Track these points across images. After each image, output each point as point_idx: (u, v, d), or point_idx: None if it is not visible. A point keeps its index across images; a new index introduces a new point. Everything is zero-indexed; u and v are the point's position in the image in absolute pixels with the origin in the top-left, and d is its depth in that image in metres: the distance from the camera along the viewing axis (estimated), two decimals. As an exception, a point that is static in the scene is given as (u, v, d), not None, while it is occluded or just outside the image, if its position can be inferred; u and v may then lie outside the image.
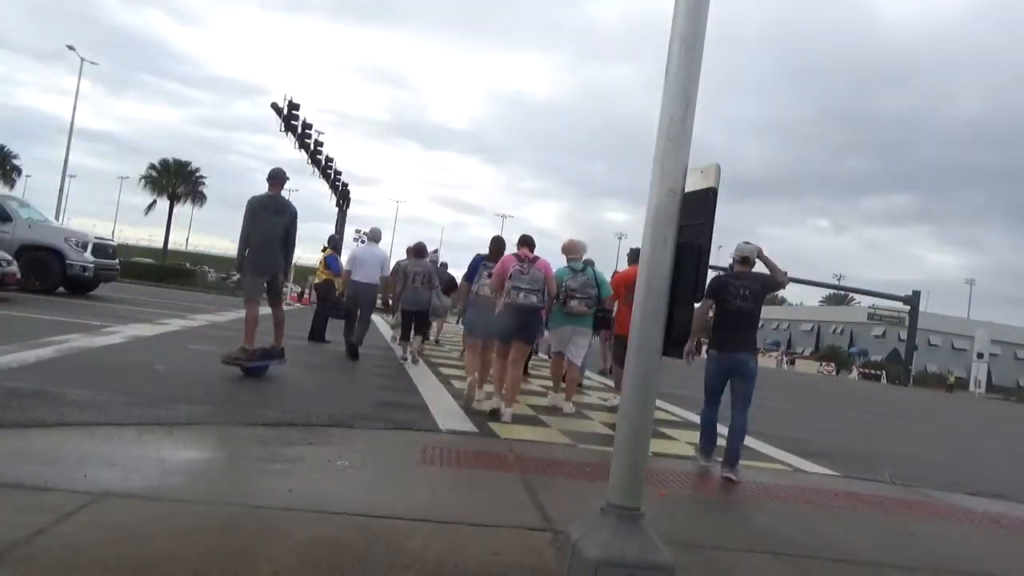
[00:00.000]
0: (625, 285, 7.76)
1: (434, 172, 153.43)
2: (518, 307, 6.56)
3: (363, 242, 12.73)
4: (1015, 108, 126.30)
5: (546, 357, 8.47)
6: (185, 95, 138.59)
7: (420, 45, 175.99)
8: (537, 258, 6.86)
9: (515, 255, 6.86)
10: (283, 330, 7.64)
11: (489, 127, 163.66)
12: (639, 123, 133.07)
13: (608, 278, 8.23)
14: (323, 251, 12.61)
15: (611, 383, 9.16)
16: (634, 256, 8.25)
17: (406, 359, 10.39)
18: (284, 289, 7.65)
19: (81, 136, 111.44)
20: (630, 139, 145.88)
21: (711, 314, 5.26)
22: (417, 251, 10.62)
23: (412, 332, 10.56)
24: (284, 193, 7.46)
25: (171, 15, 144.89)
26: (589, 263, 7.67)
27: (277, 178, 7.50)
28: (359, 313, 10.49)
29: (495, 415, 6.45)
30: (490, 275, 7.14)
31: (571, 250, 7.66)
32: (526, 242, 6.99)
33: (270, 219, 7.32)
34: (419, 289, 10.24)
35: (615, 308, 8.18)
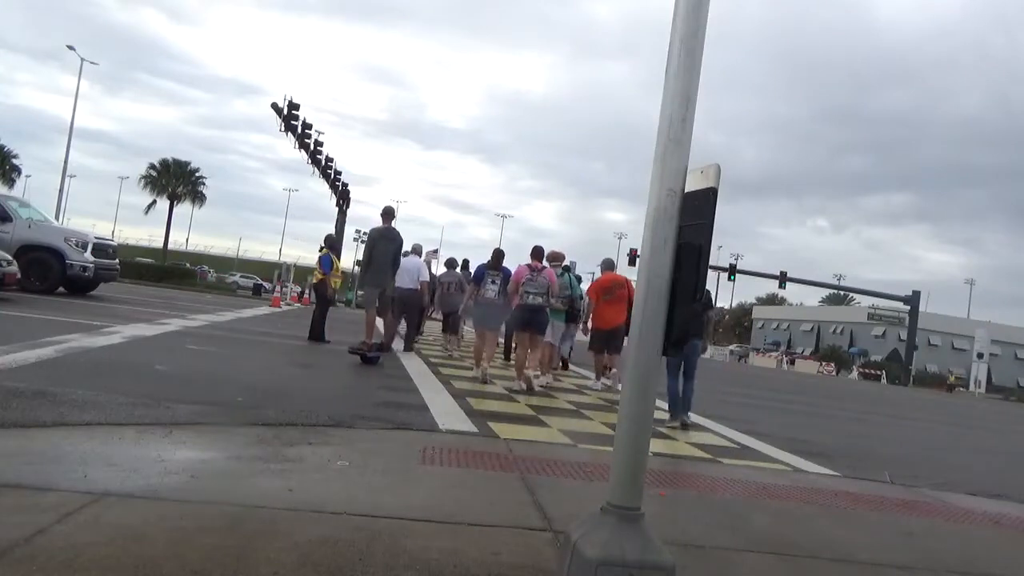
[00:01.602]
0: (604, 288, 9.89)
1: (433, 172, 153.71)
2: (527, 306, 8.67)
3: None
4: (1014, 105, 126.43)
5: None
6: (182, 94, 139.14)
7: (417, 44, 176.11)
8: (544, 267, 8.88)
9: (527, 265, 8.81)
10: (393, 330, 10.21)
11: (487, 126, 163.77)
12: (637, 122, 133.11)
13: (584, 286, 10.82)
14: (320, 251, 12.62)
15: (604, 380, 10.31)
16: (607, 265, 10.50)
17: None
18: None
19: (78, 135, 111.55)
20: (628, 138, 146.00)
21: None
22: (448, 263, 13.40)
23: (452, 327, 13.48)
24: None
25: (167, 14, 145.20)
26: (567, 269, 9.84)
27: (389, 214, 10.02)
28: (405, 317, 12.07)
29: (529, 384, 8.56)
30: (492, 281, 9.19)
31: (553, 259, 9.54)
32: (537, 254, 9.01)
33: (385, 246, 9.74)
34: (452, 295, 12.73)
35: (591, 307, 10.22)
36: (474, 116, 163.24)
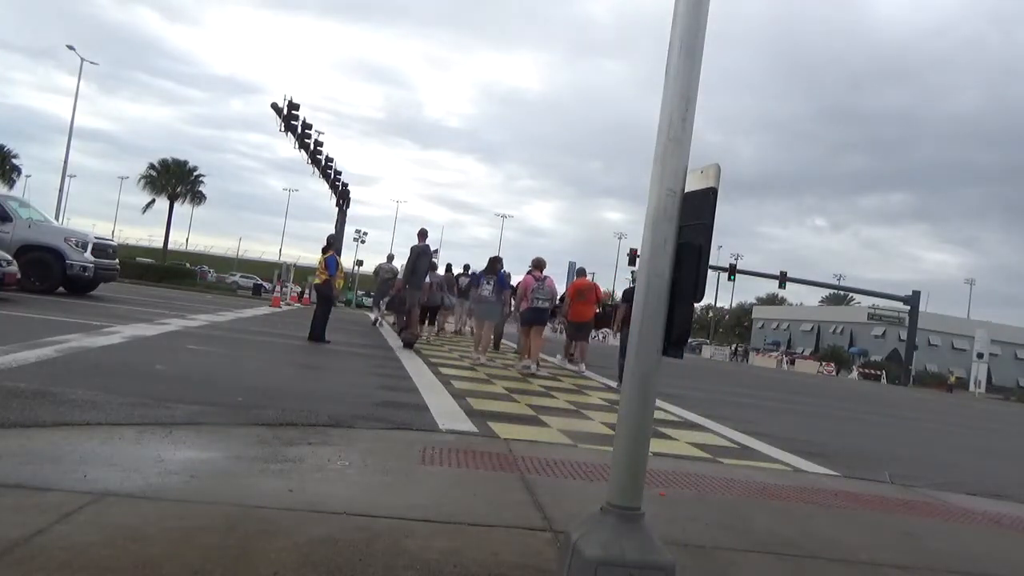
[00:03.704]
0: (578, 291, 12.86)
1: (431, 171, 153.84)
2: (536, 308, 11.35)
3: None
4: (1011, 103, 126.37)
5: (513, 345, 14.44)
6: (178, 93, 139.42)
7: (412, 42, 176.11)
8: (547, 277, 11.52)
9: (533, 275, 11.43)
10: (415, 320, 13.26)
11: (484, 125, 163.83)
12: (635, 121, 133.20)
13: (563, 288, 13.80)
14: (324, 252, 12.60)
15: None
16: (580, 272, 13.74)
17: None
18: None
19: (75, 134, 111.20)
20: (626, 137, 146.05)
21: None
22: (432, 266, 15.26)
23: (430, 319, 16.34)
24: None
25: (161, 13, 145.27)
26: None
27: (424, 234, 12.91)
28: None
29: (527, 369, 10.96)
30: (487, 282, 12.17)
31: (537, 265, 11.78)
32: (539, 265, 11.56)
33: (424, 260, 12.84)
34: (433, 292, 15.54)
35: (567, 305, 13.18)
36: (471, 115, 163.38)
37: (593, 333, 16.85)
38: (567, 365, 13.23)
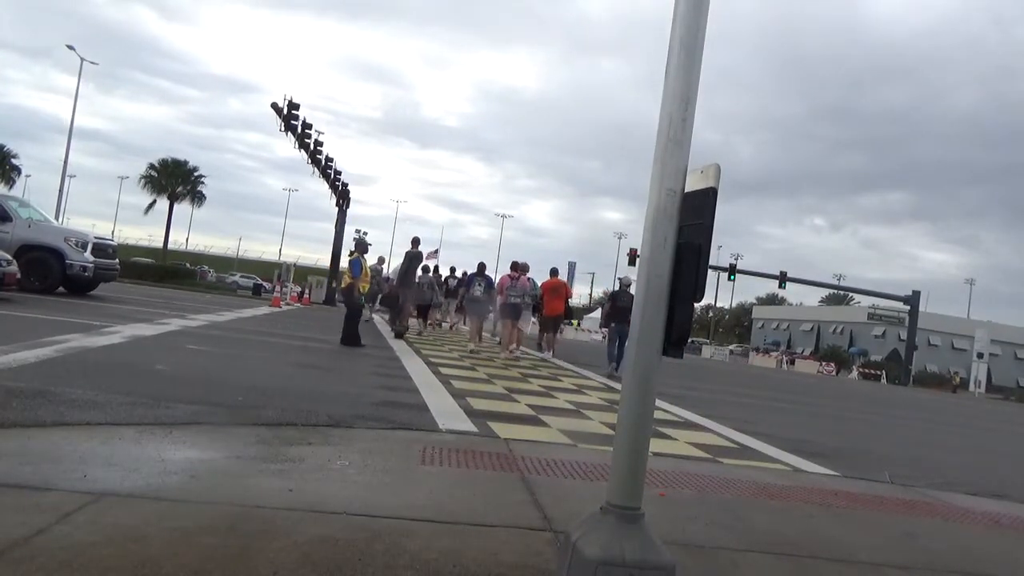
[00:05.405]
0: (551, 288, 15.10)
1: (429, 171, 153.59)
2: (511, 304, 13.63)
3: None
4: (1010, 102, 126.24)
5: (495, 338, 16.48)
6: (176, 92, 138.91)
7: (409, 41, 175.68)
8: (519, 276, 13.88)
9: (508, 275, 14.00)
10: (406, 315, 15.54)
11: (481, 124, 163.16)
12: (633, 120, 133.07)
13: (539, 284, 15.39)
14: (350, 255, 12.43)
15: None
16: (552, 272, 15.66)
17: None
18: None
19: (73, 134, 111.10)
20: (624, 136, 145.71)
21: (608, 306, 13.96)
22: (424, 268, 17.37)
23: (424, 315, 18.37)
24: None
25: (158, 11, 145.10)
26: (529, 278, 14.53)
27: (416, 242, 15.10)
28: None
29: (511, 356, 12.89)
30: (478, 284, 14.55)
31: (513, 267, 14.11)
32: (514, 267, 14.04)
33: (416, 263, 15.21)
34: (425, 292, 17.49)
35: (542, 301, 15.12)
36: (468, 114, 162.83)
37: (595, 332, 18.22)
38: (536, 353, 15.41)
